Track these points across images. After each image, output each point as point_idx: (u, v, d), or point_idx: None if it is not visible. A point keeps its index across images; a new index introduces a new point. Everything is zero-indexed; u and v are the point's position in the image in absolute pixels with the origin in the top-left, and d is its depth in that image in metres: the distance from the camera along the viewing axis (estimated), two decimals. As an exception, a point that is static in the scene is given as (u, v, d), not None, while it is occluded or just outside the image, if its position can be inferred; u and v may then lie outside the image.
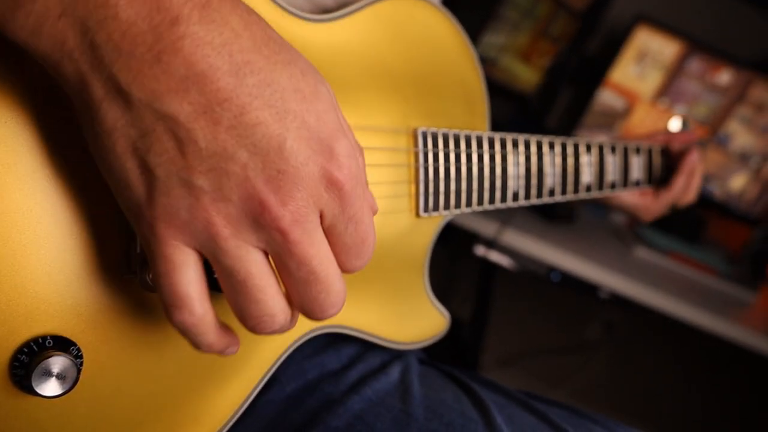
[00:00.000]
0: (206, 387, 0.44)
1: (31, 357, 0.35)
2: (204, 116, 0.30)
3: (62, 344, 0.37)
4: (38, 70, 0.34)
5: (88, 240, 0.37)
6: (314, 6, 0.51)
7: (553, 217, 1.43)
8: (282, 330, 0.35)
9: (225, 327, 0.36)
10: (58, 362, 0.35)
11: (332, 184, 0.33)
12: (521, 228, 1.30)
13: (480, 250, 1.35)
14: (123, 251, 0.39)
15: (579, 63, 1.64)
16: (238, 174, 0.31)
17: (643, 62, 1.61)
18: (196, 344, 0.35)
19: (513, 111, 1.67)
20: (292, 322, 0.36)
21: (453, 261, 1.96)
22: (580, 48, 1.62)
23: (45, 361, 0.35)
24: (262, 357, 0.47)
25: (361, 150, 0.37)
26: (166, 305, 0.33)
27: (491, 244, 1.31)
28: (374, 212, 0.38)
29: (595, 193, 0.72)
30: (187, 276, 0.32)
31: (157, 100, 0.30)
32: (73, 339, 0.37)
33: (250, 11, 0.32)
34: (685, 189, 0.84)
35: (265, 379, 0.48)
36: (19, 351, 0.35)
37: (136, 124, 0.30)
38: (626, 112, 1.62)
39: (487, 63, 1.58)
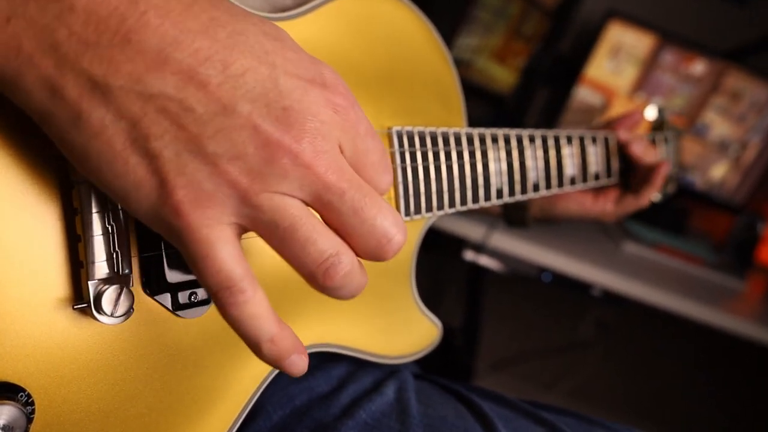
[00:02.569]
0: (182, 424, 0.40)
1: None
2: (191, 82, 0.29)
3: (8, 390, 0.33)
4: None
5: (30, 272, 0.34)
6: (272, 7, 0.48)
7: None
8: (353, 278, 0.32)
9: (285, 323, 0.32)
10: (4, 412, 0.31)
11: (337, 108, 0.32)
12: (509, 230, 1.28)
13: (469, 255, 1.33)
14: (71, 280, 0.35)
15: (554, 61, 1.64)
16: (246, 125, 0.29)
17: (618, 57, 1.61)
18: (257, 338, 0.30)
19: (491, 112, 1.66)
20: (361, 268, 0.32)
21: (440, 267, 1.93)
22: (554, 46, 1.61)
23: (-11, 411, 0.31)
24: (242, 385, 0.43)
25: None
26: (214, 293, 0.30)
27: (480, 248, 1.29)
28: None
29: (579, 186, 0.70)
30: (228, 252, 0.30)
31: (138, 83, 0.28)
32: (22, 384, 0.33)
33: None
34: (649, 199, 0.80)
35: (247, 409, 0.44)
36: None
37: (125, 114, 0.28)
38: (604, 108, 1.62)
39: (462, 65, 1.57)
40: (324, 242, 0.31)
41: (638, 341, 2.00)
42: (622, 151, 0.77)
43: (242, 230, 0.31)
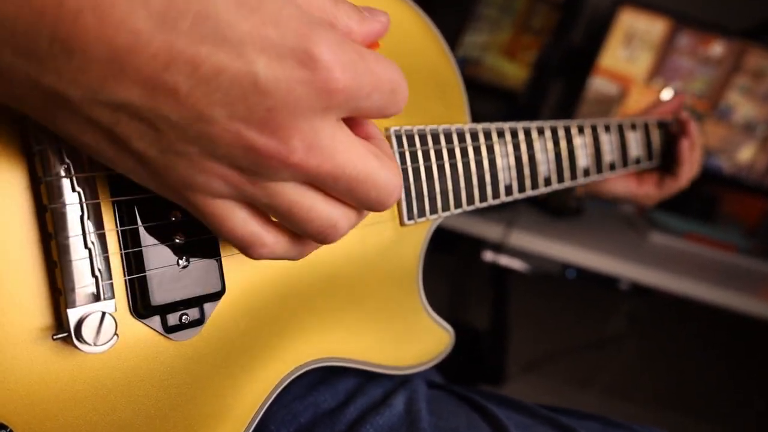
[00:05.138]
0: (182, 446, 0.38)
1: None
2: (157, 91, 0.25)
3: None
4: None
5: (8, 302, 0.32)
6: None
7: (560, 212, 1.37)
8: (351, 228, 0.34)
9: (305, 239, 0.35)
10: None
11: (333, 94, 0.28)
12: (528, 228, 1.24)
13: (488, 256, 1.29)
14: (50, 309, 0.33)
15: (566, 53, 1.60)
16: (227, 133, 0.27)
17: (632, 44, 1.57)
18: (291, 259, 0.36)
19: (504, 109, 1.63)
20: (360, 216, 0.35)
21: (463, 269, 1.90)
22: (564, 38, 1.58)
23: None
24: (243, 407, 0.41)
25: (353, 15, 0.32)
26: (241, 250, 0.33)
27: (499, 248, 1.26)
28: (383, 28, 0.35)
29: (594, 177, 0.67)
30: (239, 217, 0.31)
31: (99, 93, 0.25)
32: (3, 420, 0.32)
33: None
34: (689, 176, 0.81)
35: (251, 429, 0.42)
36: None
37: (97, 122, 0.27)
38: (621, 97, 1.58)
39: (471, 63, 1.54)
40: (321, 218, 0.32)
41: (673, 333, 1.94)
42: (666, 134, 0.77)
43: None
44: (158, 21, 0.24)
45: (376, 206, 0.33)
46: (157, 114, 0.26)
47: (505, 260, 1.31)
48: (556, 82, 1.68)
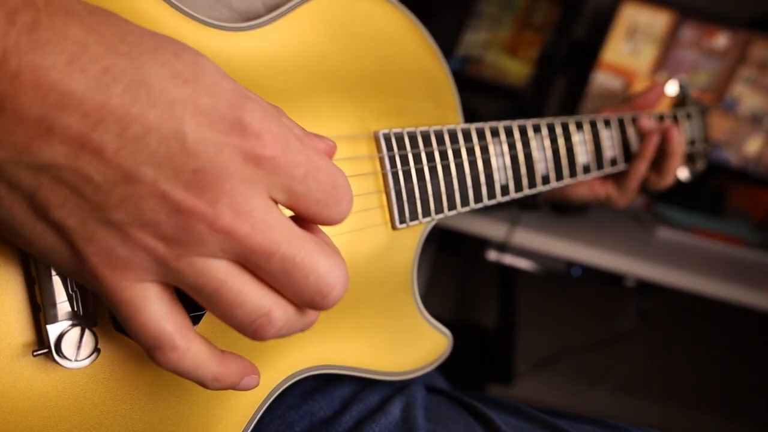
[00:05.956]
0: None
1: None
2: (84, 150, 0.25)
3: None
4: None
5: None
6: (243, 17, 0.46)
7: (564, 209, 1.36)
8: (290, 328, 0.30)
9: (229, 354, 0.31)
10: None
11: (262, 162, 0.27)
12: (532, 226, 1.23)
13: (492, 255, 1.28)
14: (31, 325, 0.33)
15: (568, 49, 1.59)
16: (152, 192, 0.26)
17: (635, 38, 1.56)
18: (202, 382, 0.31)
19: (508, 107, 1.62)
20: (300, 316, 0.31)
21: (468, 269, 1.89)
22: (566, 33, 1.57)
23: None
24: (234, 418, 0.41)
25: (276, 108, 0.31)
26: (147, 351, 0.29)
27: (503, 247, 1.25)
28: (329, 150, 0.33)
29: (595, 173, 0.66)
30: (154, 311, 0.28)
31: (23, 154, 0.25)
32: None
33: (92, 10, 0.26)
34: (664, 172, 0.74)
35: (243, 439, 0.41)
36: None
37: (18, 187, 0.26)
38: (625, 91, 1.57)
39: (472, 62, 1.53)
40: (252, 303, 0.29)
41: (683, 328, 1.93)
42: (639, 132, 0.72)
43: (169, 284, 0.29)
44: (93, 84, 0.25)
45: (316, 297, 0.29)
46: (82, 175, 0.25)
47: (509, 259, 1.30)
48: (559, 78, 1.66)
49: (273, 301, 0.29)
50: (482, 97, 1.66)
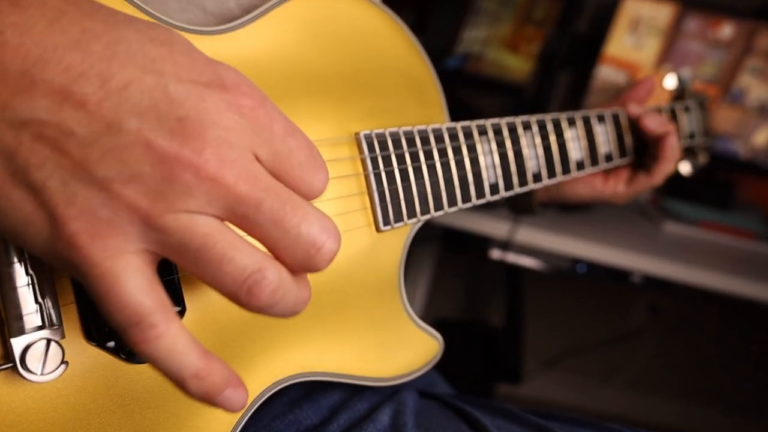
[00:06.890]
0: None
1: None
2: (66, 102, 0.25)
3: None
4: None
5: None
6: (218, 19, 0.45)
7: (568, 205, 1.34)
8: (285, 294, 0.28)
9: (214, 354, 0.28)
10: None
11: (242, 111, 0.28)
12: (535, 223, 1.22)
13: (495, 254, 1.27)
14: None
15: (570, 43, 1.57)
16: (136, 142, 0.26)
17: (638, 31, 1.54)
18: (180, 377, 0.27)
19: (510, 104, 1.61)
20: (294, 280, 0.29)
21: (474, 268, 1.88)
22: (568, 28, 1.55)
23: None
24: (215, 426, 0.40)
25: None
26: (123, 332, 0.26)
27: (506, 245, 1.23)
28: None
29: (589, 170, 0.64)
30: (133, 285, 0.26)
31: (5, 111, 0.25)
32: None
33: None
34: (664, 176, 0.72)
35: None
36: None
37: None
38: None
39: (472, 59, 1.52)
40: (243, 258, 0.27)
41: (694, 324, 1.90)
42: (634, 126, 0.71)
43: (153, 256, 0.28)
44: (74, 41, 0.26)
45: (311, 250, 0.28)
46: (63, 129, 0.25)
47: (512, 257, 1.28)
48: (562, 74, 1.64)
49: (265, 258, 0.28)
50: (484, 94, 1.65)
